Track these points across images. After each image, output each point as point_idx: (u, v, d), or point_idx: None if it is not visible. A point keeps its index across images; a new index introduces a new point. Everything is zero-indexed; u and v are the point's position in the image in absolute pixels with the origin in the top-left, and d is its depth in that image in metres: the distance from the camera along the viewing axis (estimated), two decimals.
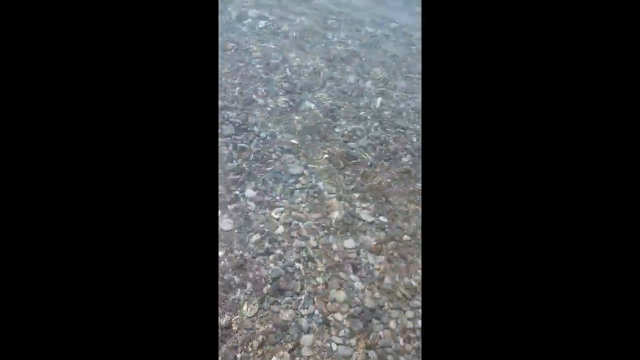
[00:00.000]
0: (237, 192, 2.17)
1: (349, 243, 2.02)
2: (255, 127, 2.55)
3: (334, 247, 1.98)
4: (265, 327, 1.61)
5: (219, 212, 2.03)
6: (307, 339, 1.59)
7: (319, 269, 1.87)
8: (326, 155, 2.51)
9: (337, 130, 2.71)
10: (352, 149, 2.59)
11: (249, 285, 1.74)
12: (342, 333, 1.64)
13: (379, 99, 3.05)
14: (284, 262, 1.86)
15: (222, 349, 1.50)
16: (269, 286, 1.75)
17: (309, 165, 2.43)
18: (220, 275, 1.75)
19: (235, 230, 1.96)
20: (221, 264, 1.79)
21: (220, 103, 2.64)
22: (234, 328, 1.58)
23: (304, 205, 2.18)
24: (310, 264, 1.88)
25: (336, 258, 1.93)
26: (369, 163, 2.53)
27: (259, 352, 1.52)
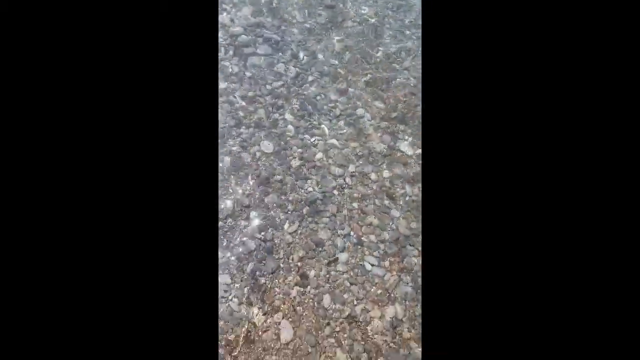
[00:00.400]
0: (277, 116, 2.14)
1: (387, 173, 2.01)
2: (292, 47, 2.40)
3: (372, 176, 1.98)
4: (305, 241, 1.71)
5: (260, 135, 2.04)
6: (342, 256, 1.70)
7: (355, 195, 1.91)
8: (369, 78, 2.38)
9: (380, 49, 2.51)
10: (396, 70, 2.42)
11: (289, 206, 1.81)
12: (376, 254, 1.73)
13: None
14: (321, 188, 1.90)
15: (268, 260, 1.63)
16: (307, 208, 1.82)
17: (350, 89, 2.32)
18: (262, 197, 1.83)
19: (274, 155, 1.99)
20: (260, 186, 1.86)
21: (254, 19, 2.47)
22: (276, 242, 1.70)
23: (342, 132, 2.14)
24: (347, 190, 1.92)
25: (374, 187, 1.95)
26: (412, 85, 2.37)
27: (299, 264, 1.65)
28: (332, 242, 1.73)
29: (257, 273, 1.60)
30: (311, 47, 2.45)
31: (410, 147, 2.14)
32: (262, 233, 1.71)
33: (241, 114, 2.12)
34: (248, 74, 2.29)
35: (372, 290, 1.62)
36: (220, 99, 2.16)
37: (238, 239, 1.68)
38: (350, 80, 2.38)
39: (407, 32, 2.64)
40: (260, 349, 1.43)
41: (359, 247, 1.74)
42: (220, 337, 1.44)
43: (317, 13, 2.60)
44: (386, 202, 1.91)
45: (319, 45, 2.47)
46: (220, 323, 1.47)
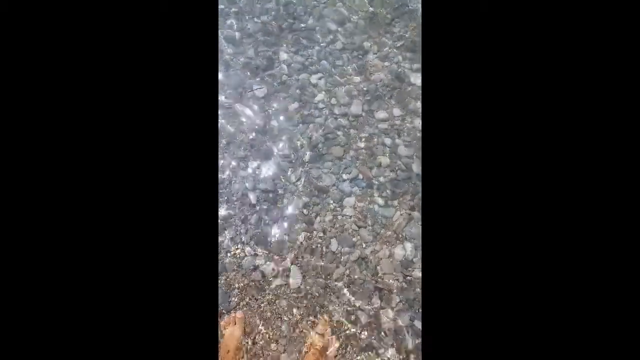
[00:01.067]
0: (271, 54, 1.96)
1: (397, 111, 1.84)
2: None
3: (379, 115, 1.82)
4: (308, 189, 1.64)
5: (254, 80, 1.89)
6: (349, 200, 1.62)
7: (361, 135, 1.77)
8: (371, 8, 2.10)
9: None
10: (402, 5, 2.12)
11: (291, 154, 1.72)
12: (384, 194, 1.64)
13: None
14: (324, 130, 1.77)
15: (273, 211, 1.59)
16: (309, 153, 1.72)
17: (352, 18, 2.06)
18: (255, 144, 1.73)
19: (269, 100, 1.85)
20: (252, 134, 1.76)
21: None
22: (279, 192, 1.63)
23: (344, 67, 1.95)
24: (352, 131, 1.78)
25: (380, 125, 1.80)
26: (419, 13, 2.09)
27: (305, 211, 1.60)
28: (337, 188, 1.65)
29: (262, 222, 1.57)
30: None
31: (419, 77, 1.93)
32: (264, 184, 1.64)
33: (226, 56, 1.95)
34: (234, 9, 2.07)
35: (381, 231, 1.56)
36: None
37: (240, 192, 1.63)
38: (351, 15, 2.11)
39: None
40: (270, 295, 1.44)
41: (368, 189, 1.65)
42: (231, 286, 1.46)
43: None
44: (397, 140, 1.77)
45: None
46: (229, 274, 1.48)
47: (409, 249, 1.53)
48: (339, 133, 1.77)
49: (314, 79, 1.91)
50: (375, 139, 1.76)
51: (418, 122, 1.80)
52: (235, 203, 1.60)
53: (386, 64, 1.96)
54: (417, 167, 1.69)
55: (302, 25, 2.05)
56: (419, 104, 1.84)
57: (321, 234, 1.55)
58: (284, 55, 1.96)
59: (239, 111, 1.81)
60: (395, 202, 1.62)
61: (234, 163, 1.68)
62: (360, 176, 1.68)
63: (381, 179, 1.67)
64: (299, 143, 1.74)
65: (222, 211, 1.58)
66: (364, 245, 1.53)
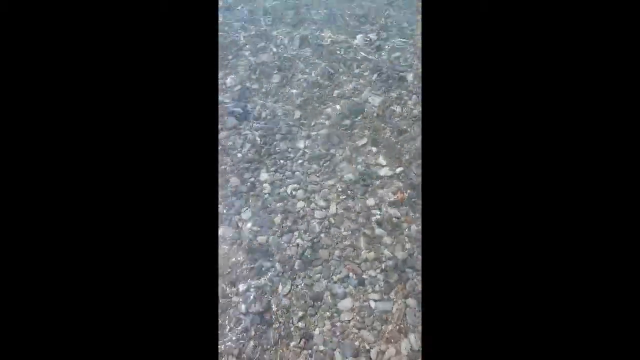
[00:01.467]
0: (252, 179, 2.19)
1: (370, 201, 1.97)
2: (255, 110, 2.51)
3: (356, 208, 1.95)
4: (303, 301, 1.66)
5: (240, 203, 2.07)
6: (344, 303, 1.62)
7: (344, 233, 1.86)
8: (327, 121, 2.42)
9: (336, 91, 2.58)
10: (358, 104, 2.47)
11: (278, 266, 1.78)
12: (377, 288, 1.65)
13: (377, 52, 2.83)
14: (309, 236, 1.88)
15: (270, 332, 1.58)
16: (298, 262, 1.78)
17: (312, 133, 2.36)
18: (249, 261, 1.82)
19: (257, 217, 2.00)
20: (246, 253, 1.85)
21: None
22: (273, 309, 1.65)
23: (317, 174, 2.15)
24: (333, 229, 1.88)
25: (360, 220, 1.90)
26: (375, 114, 2.40)
27: (300, 324, 1.59)
28: (330, 292, 1.67)
29: (259, 349, 1.54)
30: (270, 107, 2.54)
31: (386, 167, 2.11)
32: (256, 304, 1.67)
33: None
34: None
35: (382, 328, 1.52)
36: None
37: (234, 318, 1.65)
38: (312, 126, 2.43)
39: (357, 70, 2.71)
40: None
41: (360, 287, 1.66)
42: None
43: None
44: (377, 231, 1.85)
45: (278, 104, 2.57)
46: None
47: (413, 339, 1.47)
48: (322, 235, 1.87)
49: (291, 190, 2.09)
50: (357, 234, 1.84)
51: (394, 210, 1.91)
52: (229, 333, 1.60)
53: (353, 162, 2.17)
54: (404, 254, 1.73)
55: (277, 149, 2.34)
56: (390, 191, 1.98)
57: (322, 347, 1.51)
58: (264, 176, 2.19)
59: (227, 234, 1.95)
60: (392, 294, 1.62)
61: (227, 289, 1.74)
62: (351, 274, 1.71)
63: (371, 272, 1.70)
64: (288, 253, 1.82)
65: (222, 346, 1.58)
66: (367, 347, 1.48)
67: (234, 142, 2.39)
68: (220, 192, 2.15)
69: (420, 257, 1.72)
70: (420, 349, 1.45)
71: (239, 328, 1.61)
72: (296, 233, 1.90)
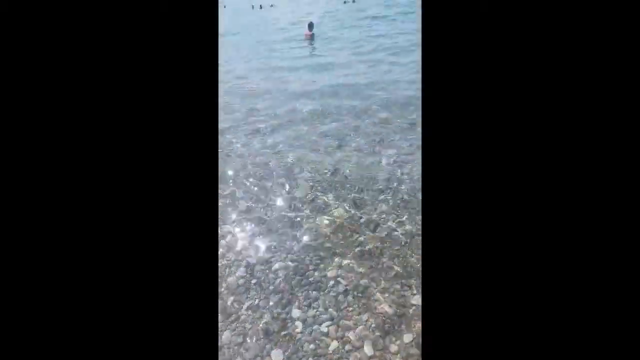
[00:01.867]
0: (284, 315, 2.18)
1: (408, 337, 1.86)
2: (287, 243, 2.67)
3: (392, 348, 1.83)
4: None
5: (266, 342, 2.02)
6: None
7: None
8: (358, 248, 2.51)
9: (362, 220, 2.75)
10: (385, 234, 2.58)
11: None
12: None
13: (395, 171, 3.10)
14: None
15: None
16: None
17: (344, 263, 2.42)
18: None
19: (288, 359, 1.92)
20: None
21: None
22: None
23: (350, 308, 2.11)
24: None
25: (397, 359, 1.77)
26: (402, 242, 2.47)
27: None
28: None
29: None
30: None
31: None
32: None
33: (245, 320, 2.17)
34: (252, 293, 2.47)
35: None
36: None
37: None
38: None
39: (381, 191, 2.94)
40: None
41: None
42: None
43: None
44: None
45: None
46: None
47: None
48: None
49: (324, 327, 2.04)
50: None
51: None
52: None
53: (387, 294, 2.14)
54: None
55: (311, 279, 2.39)
56: None
57: None
58: (296, 312, 2.18)
59: None
60: None
61: None
62: None
63: None
64: None
65: None
66: None
67: (264, 276, 2.48)
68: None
69: None
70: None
71: None
72: None
